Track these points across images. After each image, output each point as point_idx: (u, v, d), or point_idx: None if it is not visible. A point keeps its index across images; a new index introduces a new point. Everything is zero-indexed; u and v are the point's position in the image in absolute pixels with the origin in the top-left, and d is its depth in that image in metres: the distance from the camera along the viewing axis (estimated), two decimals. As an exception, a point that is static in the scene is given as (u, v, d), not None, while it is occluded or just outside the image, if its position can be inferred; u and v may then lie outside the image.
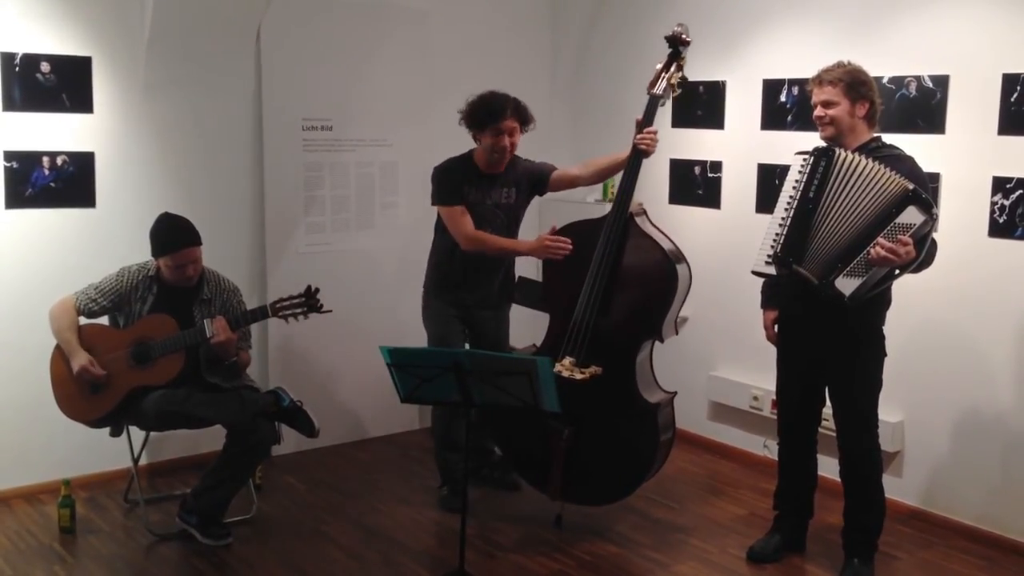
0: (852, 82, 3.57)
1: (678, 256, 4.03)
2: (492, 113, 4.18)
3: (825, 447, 4.01)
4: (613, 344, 4.00)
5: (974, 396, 4.23)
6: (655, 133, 4.04)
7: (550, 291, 4.24)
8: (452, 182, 4.26)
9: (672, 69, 4.06)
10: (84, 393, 4.03)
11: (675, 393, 4.19)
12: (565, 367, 3.96)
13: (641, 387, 4.02)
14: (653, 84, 4.07)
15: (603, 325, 3.99)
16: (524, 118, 4.25)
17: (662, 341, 4.08)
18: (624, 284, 4.00)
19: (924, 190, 3.42)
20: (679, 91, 4.12)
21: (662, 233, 4.10)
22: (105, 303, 4.08)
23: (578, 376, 3.95)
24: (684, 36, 4.06)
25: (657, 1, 5.38)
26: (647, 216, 4.14)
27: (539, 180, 4.42)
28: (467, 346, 4.43)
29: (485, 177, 4.30)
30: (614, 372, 4.00)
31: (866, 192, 3.43)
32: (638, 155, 4.02)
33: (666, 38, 4.09)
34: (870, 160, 3.47)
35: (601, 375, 3.97)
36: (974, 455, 4.24)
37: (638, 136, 4.02)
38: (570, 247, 4.05)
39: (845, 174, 3.47)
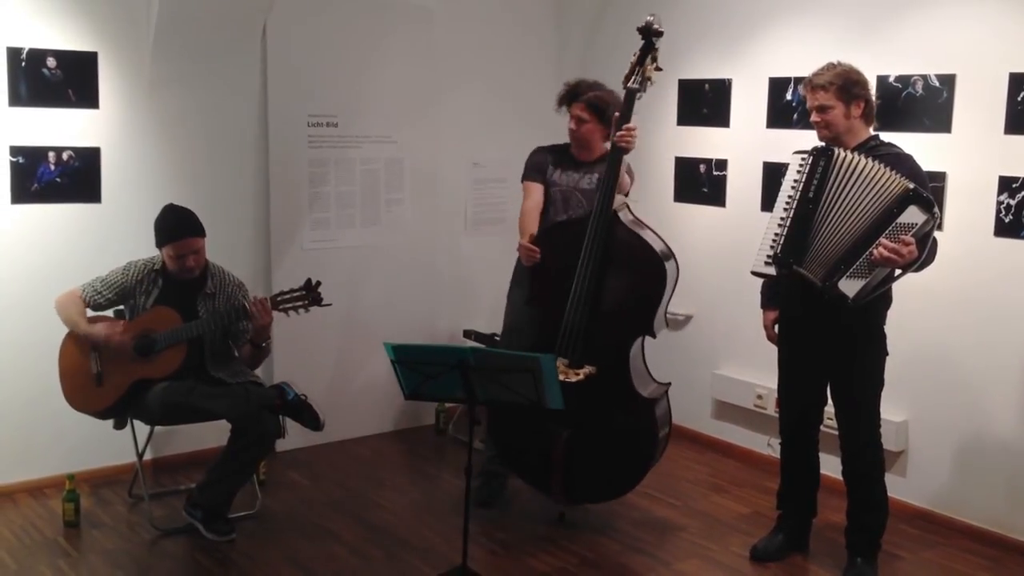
0: (844, 84, 3.54)
1: (666, 251, 4.00)
2: (564, 96, 4.24)
3: (828, 445, 4.01)
4: (605, 343, 3.98)
5: (978, 396, 4.22)
6: (634, 129, 3.98)
7: (534, 293, 4.16)
8: (535, 161, 4.32)
9: (647, 61, 3.98)
10: (90, 385, 4.04)
11: (669, 384, 4.18)
12: (560, 370, 3.94)
13: (636, 382, 4.01)
14: (628, 77, 3.98)
15: (594, 325, 3.97)
16: (598, 108, 4.17)
17: (654, 337, 4.06)
18: (613, 282, 3.96)
19: (924, 189, 3.41)
20: (654, 83, 4.04)
21: (648, 228, 4.05)
22: (110, 296, 4.10)
23: (572, 379, 3.94)
24: (657, 26, 3.96)
25: (663, -1, 5.37)
26: (630, 210, 4.07)
27: None
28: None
29: (574, 163, 4.28)
30: (608, 370, 3.98)
31: (867, 192, 3.42)
32: (617, 152, 3.97)
33: (638, 29, 3.99)
34: (869, 159, 3.45)
35: (596, 375, 3.97)
36: (978, 455, 4.24)
37: (618, 134, 3.96)
38: (537, 256, 4.00)
39: (845, 174, 3.46)
